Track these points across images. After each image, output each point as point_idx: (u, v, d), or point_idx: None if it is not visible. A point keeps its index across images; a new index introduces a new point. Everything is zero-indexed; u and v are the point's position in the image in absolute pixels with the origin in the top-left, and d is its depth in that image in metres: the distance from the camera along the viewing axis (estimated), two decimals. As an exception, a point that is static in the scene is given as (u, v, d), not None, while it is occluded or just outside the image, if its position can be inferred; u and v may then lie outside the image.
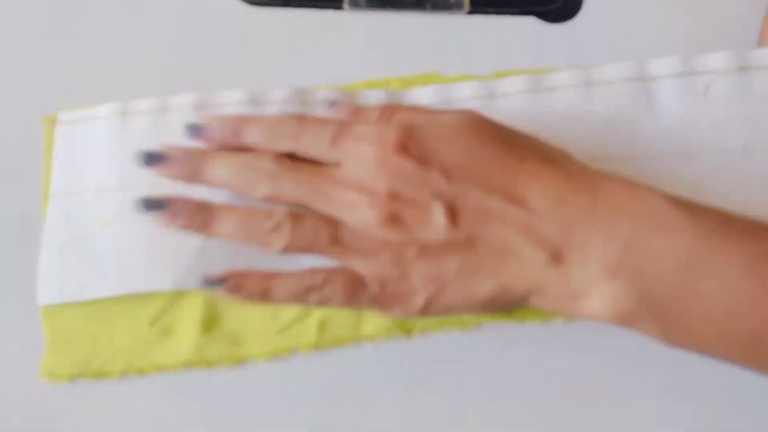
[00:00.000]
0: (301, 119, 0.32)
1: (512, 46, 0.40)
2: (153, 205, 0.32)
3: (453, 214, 0.29)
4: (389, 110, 0.32)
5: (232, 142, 0.33)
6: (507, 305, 0.30)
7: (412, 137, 0.30)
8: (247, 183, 0.32)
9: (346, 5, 0.40)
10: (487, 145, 0.30)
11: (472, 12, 0.40)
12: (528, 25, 0.40)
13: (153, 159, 0.33)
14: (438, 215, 0.29)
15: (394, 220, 0.29)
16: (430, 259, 0.29)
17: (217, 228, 0.32)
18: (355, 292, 0.31)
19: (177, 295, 0.34)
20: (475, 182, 0.29)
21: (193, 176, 0.33)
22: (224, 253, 0.33)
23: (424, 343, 0.34)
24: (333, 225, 0.31)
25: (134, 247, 0.34)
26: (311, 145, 0.31)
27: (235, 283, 0.31)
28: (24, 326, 0.35)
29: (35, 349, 0.34)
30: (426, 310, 0.30)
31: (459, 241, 0.29)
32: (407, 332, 0.34)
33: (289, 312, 0.34)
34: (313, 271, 0.31)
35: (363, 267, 0.31)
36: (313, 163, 0.32)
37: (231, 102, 0.36)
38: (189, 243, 0.33)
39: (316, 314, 0.34)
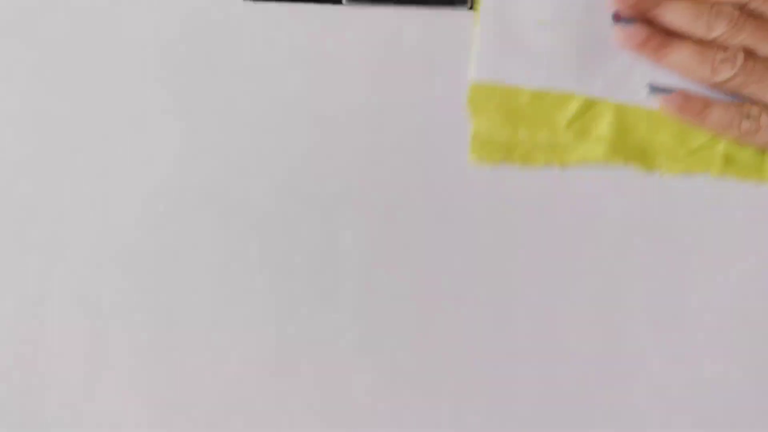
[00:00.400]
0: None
1: None
2: (623, 20, 0.37)
3: None
4: None
5: None
6: None
7: None
8: (705, 23, 0.35)
9: (345, 0, 0.40)
10: None
11: (474, 6, 0.39)
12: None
13: None
14: None
15: None
16: None
17: (670, 53, 0.36)
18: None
19: (590, 103, 0.38)
20: None
21: (649, 8, 0.37)
22: (648, 75, 0.38)
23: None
24: None
25: (568, 48, 0.38)
26: None
27: (680, 98, 0.36)
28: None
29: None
30: None
31: None
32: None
33: (697, 138, 0.38)
34: (749, 105, 0.35)
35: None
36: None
37: None
38: (621, 56, 0.37)
39: (721, 146, 0.38)
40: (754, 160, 0.38)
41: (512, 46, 0.38)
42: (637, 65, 0.38)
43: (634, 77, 0.38)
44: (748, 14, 0.35)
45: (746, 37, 0.35)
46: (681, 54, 0.36)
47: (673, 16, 0.37)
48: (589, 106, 0.38)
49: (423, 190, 0.39)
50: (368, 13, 0.40)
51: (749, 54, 0.35)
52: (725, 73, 0.35)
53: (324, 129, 0.38)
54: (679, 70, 0.37)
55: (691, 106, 0.37)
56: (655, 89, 0.37)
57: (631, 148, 0.38)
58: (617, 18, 0.37)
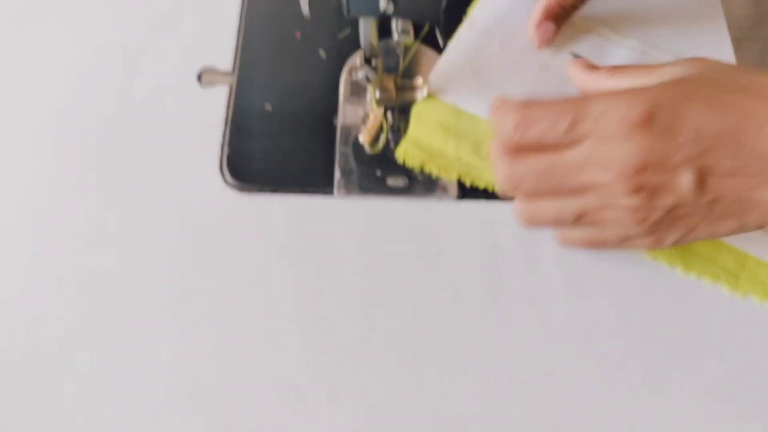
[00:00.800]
0: (524, 117, 0.33)
1: (501, 229, 0.41)
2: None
3: (701, 179, 0.31)
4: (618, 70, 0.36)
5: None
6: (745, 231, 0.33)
7: (654, 106, 0.30)
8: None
9: (336, 191, 0.41)
10: (717, 101, 0.31)
11: (461, 197, 0.42)
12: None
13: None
14: (686, 182, 0.31)
15: (640, 189, 0.31)
16: (677, 219, 0.32)
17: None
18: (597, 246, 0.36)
19: None
20: (718, 142, 0.30)
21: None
22: None
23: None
24: (579, 200, 0.33)
25: (516, 93, 0.40)
26: (546, 136, 0.32)
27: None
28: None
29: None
30: (672, 246, 0.34)
31: (705, 201, 0.31)
32: (687, 267, 0.40)
33: None
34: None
35: (609, 232, 0.34)
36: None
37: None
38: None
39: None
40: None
41: (468, 74, 0.42)
42: None
43: None
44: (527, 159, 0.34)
45: (533, 186, 0.34)
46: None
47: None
48: None
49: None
50: (359, 204, 0.41)
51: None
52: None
53: (316, 323, 0.38)
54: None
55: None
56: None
57: None
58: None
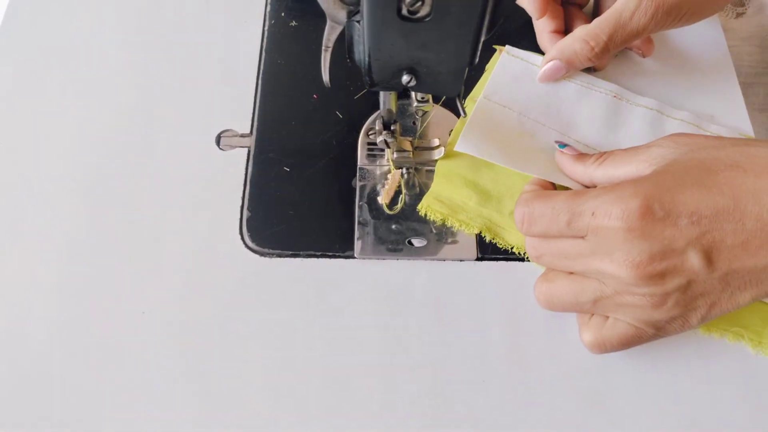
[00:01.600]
0: (527, 218, 0.35)
1: (521, 289, 0.41)
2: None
3: (709, 256, 0.31)
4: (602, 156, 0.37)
5: None
6: None
7: (650, 197, 0.31)
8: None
9: (356, 253, 0.42)
10: (708, 183, 0.31)
11: (480, 258, 0.42)
12: (533, 269, 0.41)
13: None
14: (695, 262, 0.31)
15: (651, 277, 0.31)
16: (695, 298, 0.32)
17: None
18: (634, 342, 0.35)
19: None
20: (719, 220, 0.31)
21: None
22: None
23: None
24: (593, 288, 0.34)
25: (541, 157, 0.42)
26: (549, 231, 0.35)
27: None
28: None
29: None
30: (699, 324, 0.34)
31: (718, 276, 0.31)
32: (708, 330, 0.39)
33: None
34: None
35: (629, 318, 0.34)
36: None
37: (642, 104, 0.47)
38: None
39: None
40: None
41: (491, 135, 0.43)
42: None
43: None
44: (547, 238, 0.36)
45: (549, 261, 0.36)
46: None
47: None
48: None
49: None
50: (379, 267, 0.41)
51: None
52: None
53: (337, 387, 0.38)
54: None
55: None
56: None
57: None
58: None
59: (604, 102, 0.45)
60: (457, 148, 0.42)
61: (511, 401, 0.37)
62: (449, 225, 0.42)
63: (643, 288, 0.32)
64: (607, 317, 0.36)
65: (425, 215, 0.42)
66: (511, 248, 0.41)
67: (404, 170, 0.44)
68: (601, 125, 0.45)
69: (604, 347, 0.36)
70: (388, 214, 0.43)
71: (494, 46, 0.48)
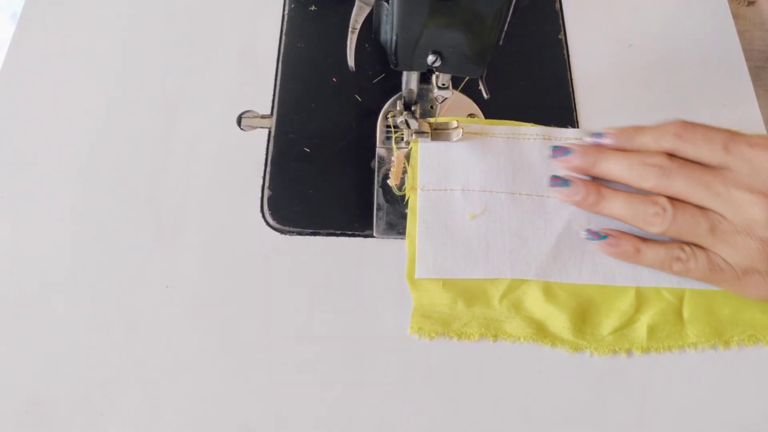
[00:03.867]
0: (690, 124, 0.37)
1: None
2: (559, 182, 0.40)
3: None
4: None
5: (626, 146, 0.39)
6: None
7: None
8: (638, 175, 0.37)
9: (376, 233, 0.42)
10: None
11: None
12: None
13: (560, 150, 0.41)
14: None
15: None
16: None
17: (605, 206, 0.39)
18: (716, 272, 0.37)
19: (521, 280, 0.40)
20: None
21: (591, 167, 0.40)
22: (575, 253, 0.40)
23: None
24: (711, 218, 0.36)
25: (500, 239, 0.40)
26: (701, 146, 0.36)
27: (614, 240, 0.38)
28: None
29: None
30: None
31: None
32: (726, 342, 0.39)
33: (618, 319, 0.39)
34: (681, 246, 0.37)
35: (732, 256, 0.36)
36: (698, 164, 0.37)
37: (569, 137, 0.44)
38: (546, 240, 0.40)
39: (644, 321, 0.39)
40: (674, 328, 0.39)
41: (449, 243, 0.41)
42: (564, 247, 0.40)
43: (563, 258, 0.40)
44: (680, 162, 0.37)
45: (679, 186, 0.36)
46: (614, 207, 0.38)
47: (608, 169, 0.39)
48: (521, 282, 0.40)
49: None
50: (398, 244, 0.42)
51: (680, 204, 0.36)
52: (657, 227, 0.37)
53: (357, 364, 0.39)
54: (617, 218, 0.39)
55: (623, 251, 0.39)
56: (590, 234, 0.40)
57: (561, 329, 0.39)
58: (554, 182, 0.41)
59: (536, 146, 0.44)
60: (419, 275, 0.40)
61: (526, 378, 0.39)
62: (448, 339, 0.40)
63: (765, 231, 0.34)
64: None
65: (419, 337, 0.39)
66: (517, 340, 0.40)
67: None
68: (543, 171, 0.43)
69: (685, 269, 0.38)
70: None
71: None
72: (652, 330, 0.39)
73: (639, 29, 0.53)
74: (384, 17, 0.33)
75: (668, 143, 0.37)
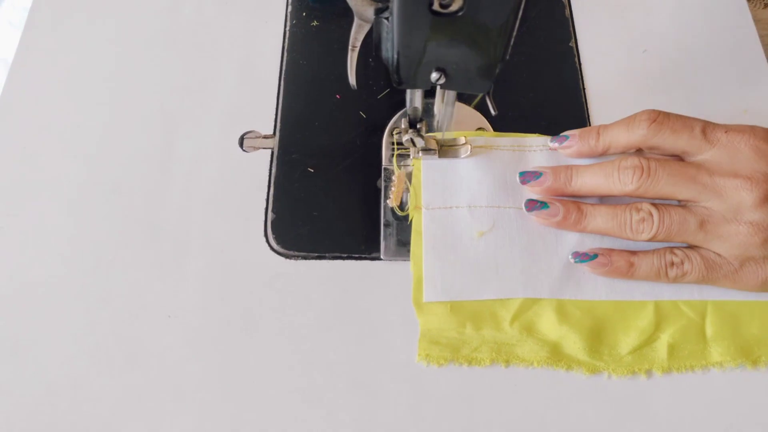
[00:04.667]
0: (665, 112, 0.36)
1: None
2: (536, 205, 0.38)
3: None
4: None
5: (593, 147, 0.38)
6: None
7: None
8: (617, 181, 0.36)
9: (383, 255, 0.41)
10: None
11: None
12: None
13: (530, 175, 0.39)
14: None
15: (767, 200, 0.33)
16: None
17: (589, 222, 0.37)
18: (712, 269, 0.35)
19: (532, 300, 0.38)
20: None
21: (565, 186, 0.38)
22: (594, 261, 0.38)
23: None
24: (698, 213, 0.35)
25: (510, 257, 0.39)
26: (681, 133, 0.35)
27: (604, 259, 0.37)
28: None
29: None
30: None
31: None
32: (754, 362, 0.37)
33: (637, 337, 0.38)
34: (672, 250, 0.36)
35: (725, 248, 0.35)
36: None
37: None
38: (558, 256, 0.39)
39: (664, 339, 0.37)
40: (700, 346, 0.37)
41: (457, 264, 0.39)
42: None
43: (577, 274, 0.38)
44: (657, 159, 0.36)
45: (664, 183, 0.35)
46: (598, 221, 0.37)
47: (584, 183, 0.38)
48: (532, 302, 0.38)
49: None
50: (403, 266, 0.41)
51: (663, 206, 0.35)
52: (646, 233, 0.36)
53: (364, 389, 0.37)
54: (603, 233, 0.38)
55: (616, 268, 0.37)
56: (579, 257, 0.38)
57: (576, 350, 0.37)
58: (530, 206, 0.39)
59: (543, 158, 0.42)
60: (427, 298, 0.38)
61: (542, 404, 0.37)
62: (458, 365, 0.38)
63: (755, 213, 0.33)
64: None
65: (427, 365, 0.38)
66: (530, 365, 0.38)
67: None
68: None
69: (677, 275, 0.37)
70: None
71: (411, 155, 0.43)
72: (672, 349, 0.37)
73: (653, 34, 0.51)
74: (384, 34, 0.32)
75: (643, 130, 0.36)
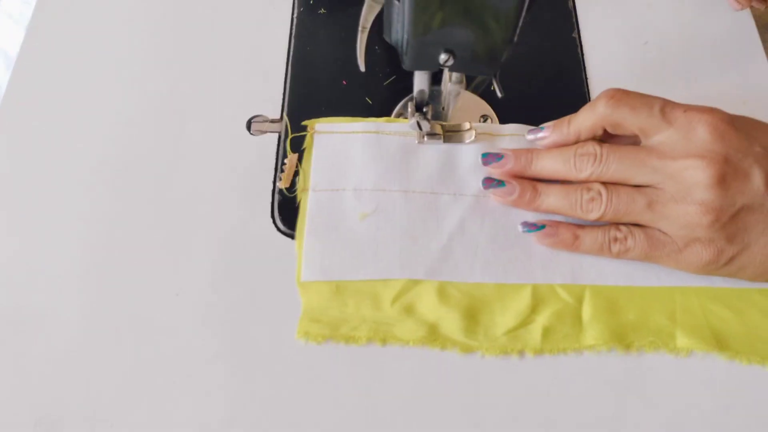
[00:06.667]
0: (625, 90, 0.36)
1: None
2: (493, 183, 0.39)
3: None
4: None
5: (565, 135, 0.38)
6: None
7: (732, 116, 0.34)
8: (574, 167, 0.37)
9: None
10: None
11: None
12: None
13: (492, 157, 0.40)
14: (757, 180, 0.33)
15: (722, 181, 0.33)
16: (740, 222, 0.34)
17: (543, 201, 0.38)
18: (655, 247, 0.36)
19: (413, 281, 0.39)
20: None
21: (525, 169, 0.39)
22: (467, 251, 0.39)
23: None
24: (648, 193, 0.35)
25: (390, 239, 0.39)
26: (640, 110, 0.35)
27: (551, 230, 0.38)
28: None
29: None
30: (725, 266, 0.35)
31: None
32: (627, 347, 0.38)
33: (513, 319, 0.38)
34: (617, 226, 0.37)
35: (671, 228, 0.35)
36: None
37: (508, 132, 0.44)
38: (437, 239, 0.39)
39: (540, 322, 0.38)
40: (574, 329, 0.38)
41: (337, 245, 0.39)
42: (456, 245, 0.39)
43: (455, 256, 0.39)
44: (610, 146, 0.37)
45: (615, 168, 0.36)
46: (551, 200, 0.38)
47: (543, 167, 0.39)
48: (414, 283, 0.39)
49: None
50: None
51: (614, 187, 0.36)
52: (595, 212, 0.37)
53: (369, 370, 0.37)
54: (556, 213, 0.39)
55: (562, 239, 0.38)
56: (526, 226, 0.39)
57: (453, 330, 0.38)
58: (487, 184, 0.40)
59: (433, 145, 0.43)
60: (304, 278, 0.39)
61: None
62: (336, 343, 0.38)
63: (705, 193, 0.33)
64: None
65: (305, 342, 0.38)
66: (406, 344, 0.38)
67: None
68: (437, 169, 0.42)
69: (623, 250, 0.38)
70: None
71: (304, 123, 0.45)
72: (547, 331, 0.38)
73: (654, 26, 0.52)
74: (395, 16, 0.32)
75: (602, 108, 0.36)
